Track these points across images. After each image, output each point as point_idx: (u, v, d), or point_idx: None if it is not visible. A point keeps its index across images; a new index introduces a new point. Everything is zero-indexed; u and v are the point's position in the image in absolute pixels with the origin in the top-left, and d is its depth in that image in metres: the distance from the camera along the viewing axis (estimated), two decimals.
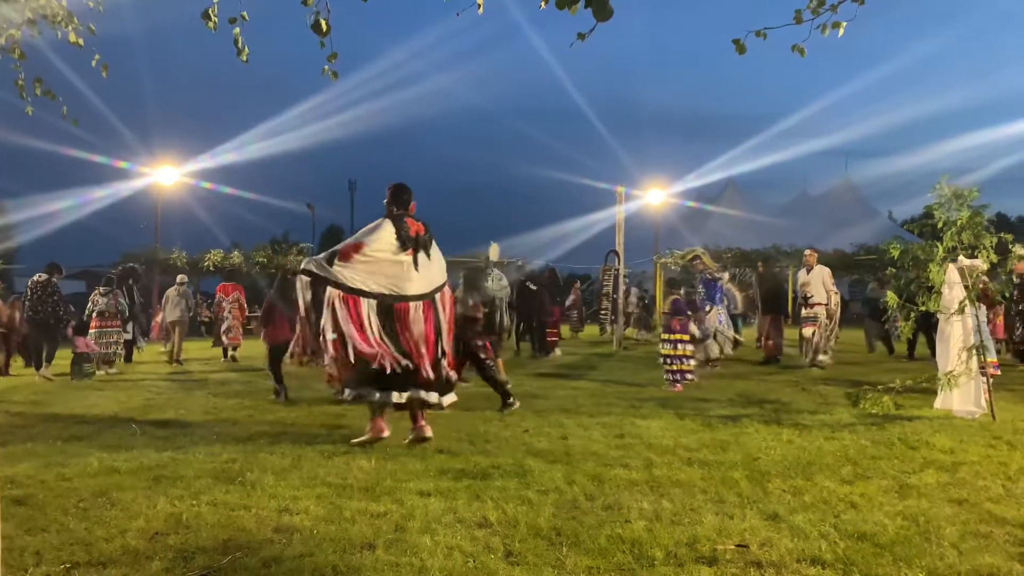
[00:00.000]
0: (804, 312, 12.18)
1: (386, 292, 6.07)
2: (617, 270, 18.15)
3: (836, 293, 12.07)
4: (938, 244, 7.47)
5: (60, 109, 5.72)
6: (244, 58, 4.44)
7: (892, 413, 7.30)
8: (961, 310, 7.32)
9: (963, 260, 7.44)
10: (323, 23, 3.97)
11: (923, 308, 7.60)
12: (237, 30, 4.31)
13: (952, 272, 7.46)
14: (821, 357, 11.89)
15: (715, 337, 12.19)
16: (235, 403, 8.73)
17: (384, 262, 6.10)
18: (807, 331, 12.06)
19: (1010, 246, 7.53)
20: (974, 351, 7.23)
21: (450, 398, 6.42)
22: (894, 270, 8.01)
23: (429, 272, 6.33)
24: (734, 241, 29.57)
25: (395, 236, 6.14)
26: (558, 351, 15.40)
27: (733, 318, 13.88)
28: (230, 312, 15.29)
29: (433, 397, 6.18)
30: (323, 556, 3.59)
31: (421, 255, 6.26)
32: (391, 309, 6.08)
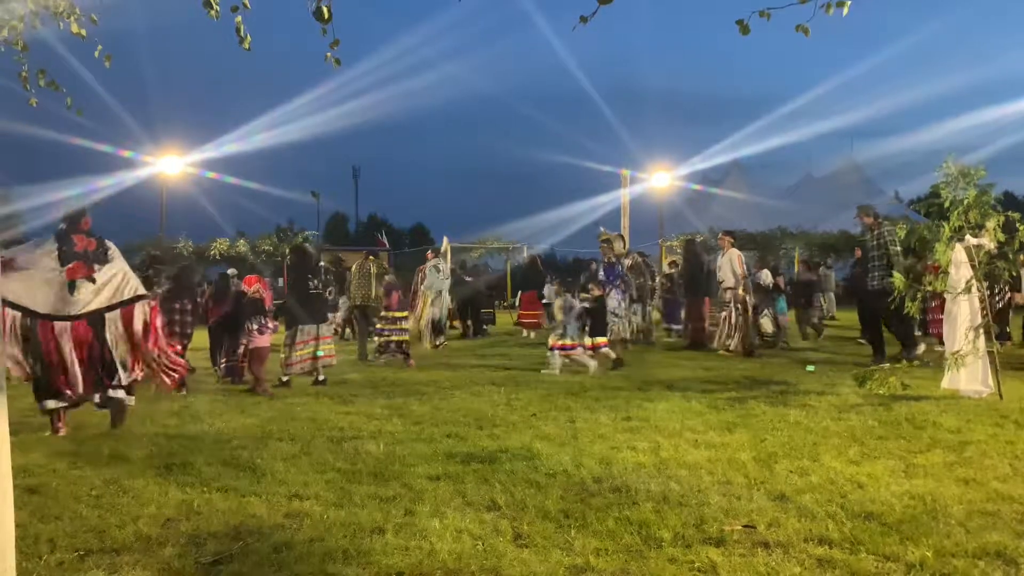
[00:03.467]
0: (719, 296, 12.49)
1: (32, 309, 6.09)
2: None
3: (745, 278, 12.13)
4: (944, 223, 7.44)
5: (64, 99, 5.74)
6: (246, 46, 4.44)
7: (899, 393, 7.30)
8: (968, 290, 7.30)
9: (970, 239, 7.41)
10: (325, 10, 3.96)
11: (931, 288, 7.58)
12: (239, 18, 4.31)
13: (959, 252, 7.43)
14: (729, 342, 11.94)
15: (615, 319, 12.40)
16: (244, 389, 8.79)
17: (38, 281, 6.15)
18: (720, 315, 12.32)
19: (1018, 224, 7.44)
20: (981, 331, 7.22)
21: (119, 393, 6.44)
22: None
23: (96, 293, 6.41)
24: (738, 224, 29.46)
25: (56, 253, 6.25)
26: (532, 333, 15.97)
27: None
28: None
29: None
30: (333, 540, 3.62)
31: (84, 283, 6.32)
32: (35, 326, 6.12)
